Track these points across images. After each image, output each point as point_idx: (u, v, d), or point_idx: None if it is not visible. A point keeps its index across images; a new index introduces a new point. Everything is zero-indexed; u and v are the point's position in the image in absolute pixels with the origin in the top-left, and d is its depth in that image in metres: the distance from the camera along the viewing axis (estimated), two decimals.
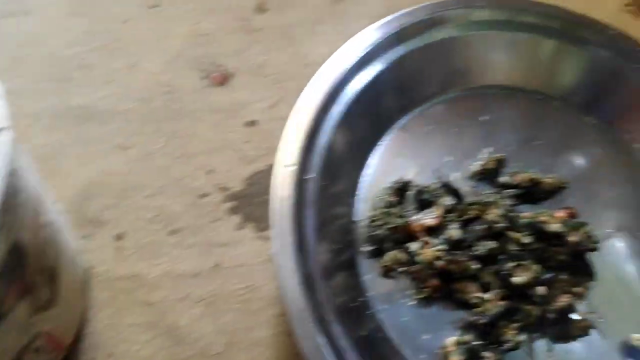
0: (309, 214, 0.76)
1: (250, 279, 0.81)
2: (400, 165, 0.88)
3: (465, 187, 0.87)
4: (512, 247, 0.77)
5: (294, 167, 0.75)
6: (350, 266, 0.81)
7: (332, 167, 0.81)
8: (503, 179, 0.88)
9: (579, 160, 0.92)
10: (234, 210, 0.86)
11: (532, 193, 0.87)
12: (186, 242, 0.84)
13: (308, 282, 0.71)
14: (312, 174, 0.77)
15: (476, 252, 0.77)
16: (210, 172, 0.88)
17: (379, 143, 0.89)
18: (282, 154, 0.77)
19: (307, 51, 0.97)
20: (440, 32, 0.91)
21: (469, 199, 0.85)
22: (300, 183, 0.75)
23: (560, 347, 0.78)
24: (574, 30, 0.93)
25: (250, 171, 0.87)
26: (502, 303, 0.75)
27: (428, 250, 0.78)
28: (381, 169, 0.88)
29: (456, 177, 0.88)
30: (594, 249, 0.79)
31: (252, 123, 0.92)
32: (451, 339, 0.76)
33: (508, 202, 0.82)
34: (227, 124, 0.92)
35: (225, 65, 0.96)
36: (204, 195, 0.86)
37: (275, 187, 0.74)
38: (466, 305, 0.78)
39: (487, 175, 0.88)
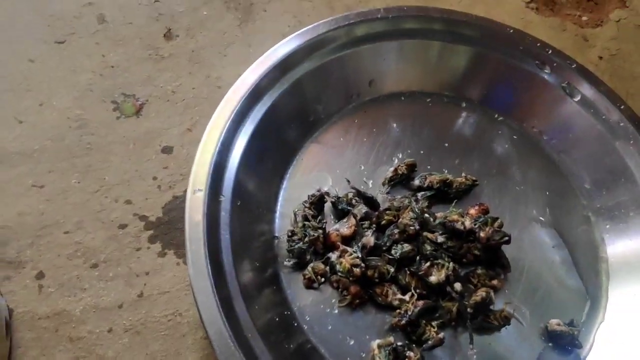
0: (224, 236, 0.78)
1: (175, 305, 0.83)
2: (316, 177, 0.91)
3: (380, 194, 0.91)
4: (427, 248, 0.80)
5: (204, 192, 0.77)
6: (274, 281, 0.83)
7: (246, 187, 0.83)
8: (416, 182, 0.92)
9: (490, 157, 0.97)
10: (154, 239, 0.87)
11: (446, 193, 0.91)
12: (108, 274, 0.85)
13: (226, 304, 0.72)
14: (224, 196, 0.78)
15: (393, 256, 0.80)
16: (128, 203, 0.89)
17: (294, 158, 0.92)
18: (193, 180, 0.79)
19: (218, 74, 1.00)
20: (338, 47, 0.94)
21: (384, 205, 0.88)
22: (212, 206, 0.77)
23: (485, 338, 0.83)
24: (459, 29, 0.98)
25: (168, 198, 0.89)
26: (420, 302, 0.78)
27: (346, 259, 0.81)
28: (298, 183, 0.91)
29: (370, 185, 0.91)
30: (507, 242, 0.83)
31: (167, 150, 0.94)
32: (375, 343, 0.79)
33: (421, 205, 0.86)
34: (142, 153, 0.93)
35: (137, 94, 0.98)
36: (123, 226, 0.88)
37: (188, 213, 0.76)
38: (388, 308, 0.81)
39: (400, 180, 0.92)
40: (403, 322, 0.78)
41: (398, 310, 0.80)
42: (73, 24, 1.04)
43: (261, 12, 1.10)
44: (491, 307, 0.83)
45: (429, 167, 0.95)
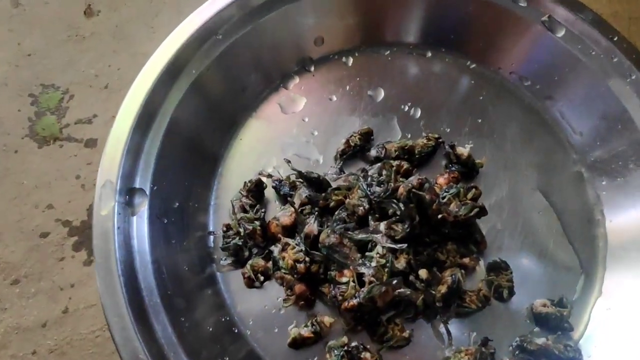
0: (140, 241, 0.71)
1: (103, 318, 0.76)
2: (258, 159, 0.84)
3: (331, 171, 0.82)
4: (386, 231, 0.71)
5: (114, 190, 0.70)
6: (210, 284, 0.76)
7: (170, 178, 0.76)
8: (373, 153, 0.82)
9: (462, 113, 0.88)
10: (78, 246, 0.81)
11: (410, 160, 0.81)
12: (30, 290, 0.79)
13: (142, 322, 0.66)
14: (140, 192, 0.71)
15: (347, 245, 0.72)
16: (49, 208, 0.83)
17: (230, 138, 0.83)
18: (101, 176, 0.72)
19: (146, 49, 0.91)
20: (275, 2, 0.84)
21: (335, 183, 0.79)
22: (125, 207, 0.70)
23: (461, 326, 0.75)
24: None
25: (93, 197, 0.82)
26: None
27: (288, 254, 0.73)
28: (237, 167, 0.83)
29: (321, 162, 0.82)
30: (479, 216, 0.73)
31: (91, 143, 0.87)
32: (327, 344, 0.71)
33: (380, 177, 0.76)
34: (63, 150, 0.87)
35: (57, 83, 0.90)
36: (45, 235, 0.82)
37: (95, 218, 0.69)
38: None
39: (355, 153, 0.82)
40: (353, 302, 0.69)
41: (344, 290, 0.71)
42: None
43: None
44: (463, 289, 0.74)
45: (390, 133, 0.85)
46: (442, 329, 0.73)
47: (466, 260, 0.76)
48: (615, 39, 0.82)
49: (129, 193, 0.72)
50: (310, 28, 0.87)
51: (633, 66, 0.81)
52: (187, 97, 0.79)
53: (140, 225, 0.72)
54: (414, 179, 0.73)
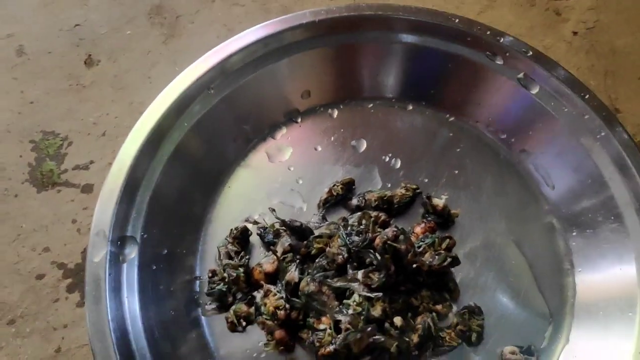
0: (131, 285, 0.75)
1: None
2: (245, 206, 0.88)
3: (314, 218, 0.86)
4: (363, 279, 0.76)
5: (107, 238, 0.74)
6: (195, 327, 0.80)
7: (161, 225, 0.81)
8: (354, 202, 0.87)
9: (440, 164, 0.93)
10: (72, 287, 0.86)
11: (389, 210, 0.85)
12: (25, 330, 0.84)
13: None
14: (131, 241, 0.76)
15: (325, 292, 0.76)
16: (45, 251, 0.88)
17: (220, 186, 0.88)
18: (95, 225, 0.77)
19: (142, 98, 0.97)
20: (265, 58, 0.90)
21: (317, 231, 0.84)
22: (117, 248, 0.74)
23: None
24: (397, 25, 0.92)
25: (87, 241, 0.87)
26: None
27: (270, 300, 0.77)
28: (226, 214, 0.87)
29: (304, 209, 0.87)
30: (452, 265, 0.78)
31: (87, 188, 0.92)
32: None
33: (356, 229, 0.81)
34: (61, 195, 0.92)
35: (57, 130, 0.96)
36: (41, 277, 0.86)
37: (89, 263, 0.74)
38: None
39: (337, 201, 0.87)
40: (330, 348, 0.73)
41: (322, 337, 0.75)
42: None
43: (188, 24, 1.07)
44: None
45: (372, 182, 0.90)
46: None
47: (439, 307, 0.80)
48: (586, 96, 0.87)
49: (120, 241, 0.76)
50: (298, 83, 0.93)
51: (603, 124, 0.85)
52: (180, 149, 0.85)
53: (130, 272, 0.77)
54: (389, 231, 0.77)
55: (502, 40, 0.91)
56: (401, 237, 0.77)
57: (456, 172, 0.90)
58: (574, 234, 0.85)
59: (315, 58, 0.93)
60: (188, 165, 0.85)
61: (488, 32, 0.92)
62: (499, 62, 0.90)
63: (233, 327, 0.79)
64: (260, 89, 0.90)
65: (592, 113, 0.86)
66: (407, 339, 0.76)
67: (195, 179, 0.86)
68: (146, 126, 0.83)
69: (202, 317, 0.81)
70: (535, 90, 0.89)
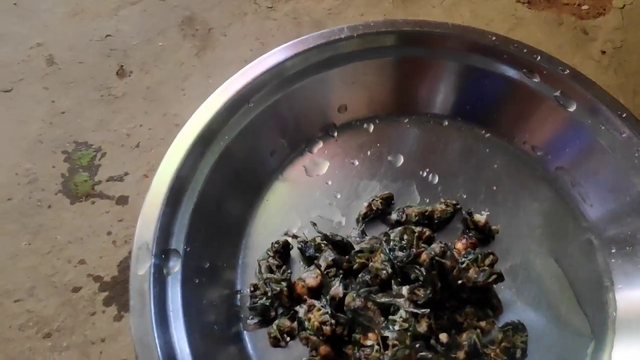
0: (175, 298, 0.75)
1: None
2: (283, 220, 0.88)
3: (354, 232, 0.86)
4: (409, 295, 0.76)
5: (150, 251, 0.74)
6: (236, 341, 0.80)
7: (202, 238, 0.80)
8: (393, 217, 0.87)
9: (478, 180, 0.93)
10: (109, 301, 0.84)
11: (429, 225, 0.85)
12: (62, 344, 0.82)
13: None
14: (174, 253, 0.75)
15: (371, 308, 0.76)
16: (81, 263, 0.87)
17: (258, 200, 0.88)
18: (138, 238, 0.76)
19: (176, 111, 0.96)
20: (302, 73, 0.90)
21: (357, 246, 0.84)
22: (160, 265, 0.73)
23: None
24: (435, 42, 0.92)
25: (124, 254, 0.86)
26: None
27: (314, 315, 0.76)
28: (264, 227, 0.87)
29: (343, 224, 0.86)
30: (496, 282, 0.78)
31: (123, 200, 0.91)
32: None
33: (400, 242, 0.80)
34: (96, 206, 0.91)
35: (89, 141, 0.95)
36: (77, 289, 0.85)
37: (132, 280, 0.73)
38: None
39: (376, 216, 0.87)
40: None
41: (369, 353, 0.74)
42: (21, 69, 1.02)
43: (220, 37, 1.07)
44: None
45: (410, 197, 0.90)
46: None
47: (483, 323, 0.80)
48: (624, 115, 0.87)
49: (164, 254, 0.75)
50: (335, 96, 0.93)
51: None
52: (220, 162, 0.84)
53: (174, 285, 0.76)
54: (436, 247, 0.77)
55: (538, 58, 0.92)
56: (448, 253, 0.77)
57: (494, 188, 0.90)
58: (613, 251, 0.86)
59: (353, 73, 0.93)
60: (228, 178, 0.85)
61: (525, 50, 0.93)
62: (536, 79, 0.91)
63: (276, 342, 0.79)
64: (298, 103, 0.91)
65: (629, 131, 0.87)
66: (453, 356, 0.75)
67: (234, 192, 0.86)
68: (187, 139, 0.82)
69: (244, 332, 0.80)
70: (572, 108, 0.89)
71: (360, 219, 0.87)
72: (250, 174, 0.88)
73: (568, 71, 0.90)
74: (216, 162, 0.84)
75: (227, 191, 0.85)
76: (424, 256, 0.77)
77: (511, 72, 0.92)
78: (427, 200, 0.89)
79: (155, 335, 0.72)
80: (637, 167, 0.85)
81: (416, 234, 0.82)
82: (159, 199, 0.79)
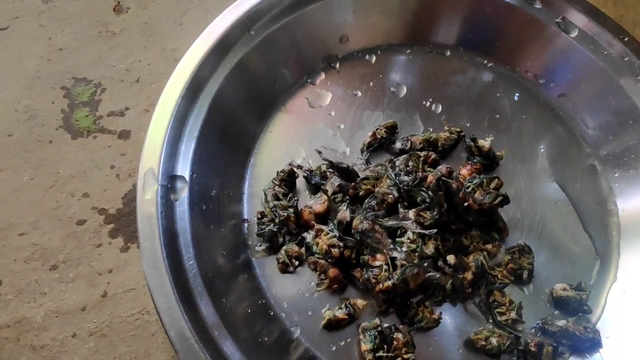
0: (182, 226, 0.74)
1: (142, 302, 0.79)
2: (288, 150, 0.86)
3: (358, 161, 0.85)
4: (415, 218, 0.75)
5: (156, 179, 0.72)
6: (246, 269, 0.79)
7: (207, 168, 0.78)
8: (398, 145, 0.86)
9: (481, 109, 0.91)
10: (115, 233, 0.83)
11: (434, 152, 0.85)
12: (69, 275, 0.81)
13: (188, 302, 0.68)
14: (180, 181, 0.74)
15: (378, 231, 0.75)
16: (85, 196, 0.85)
17: (261, 131, 0.87)
18: (143, 167, 0.74)
19: (174, 45, 0.94)
20: (300, 3, 0.88)
21: (363, 173, 0.83)
22: (166, 195, 0.72)
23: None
24: None
25: (128, 187, 0.85)
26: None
27: (322, 239, 0.76)
28: (268, 158, 0.86)
29: (347, 154, 0.85)
30: (502, 204, 0.77)
31: (125, 134, 0.90)
32: (360, 326, 0.75)
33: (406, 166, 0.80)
34: (98, 140, 0.89)
35: (88, 77, 0.93)
36: (82, 222, 0.84)
37: (139, 205, 0.72)
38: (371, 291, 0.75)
39: (381, 145, 0.86)
40: (388, 283, 0.72)
41: (378, 273, 0.74)
42: (16, 7, 0.99)
43: None
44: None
45: (413, 127, 0.89)
46: (473, 310, 0.76)
47: (489, 246, 0.79)
48: (626, 39, 0.86)
49: (170, 180, 0.74)
50: (336, 26, 0.91)
51: None
52: (221, 93, 0.82)
53: (182, 211, 0.75)
54: (442, 168, 0.76)
55: None
56: (454, 174, 0.76)
57: (497, 116, 0.89)
58: (617, 175, 0.85)
59: (354, 0, 0.91)
60: (230, 108, 0.83)
61: None
62: (537, 5, 0.89)
63: (284, 268, 0.78)
64: (298, 32, 0.89)
65: (632, 55, 0.86)
66: (461, 276, 0.75)
67: (237, 123, 0.84)
68: (186, 70, 0.80)
69: (253, 259, 0.79)
70: (574, 33, 0.88)
71: (365, 148, 0.86)
72: (253, 104, 0.86)
73: None
74: (218, 91, 0.82)
75: (230, 121, 0.83)
76: (430, 177, 0.76)
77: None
78: (431, 130, 0.88)
79: (165, 259, 0.71)
80: (639, 90, 0.83)
81: (422, 158, 0.81)
82: (163, 126, 0.77)
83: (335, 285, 0.76)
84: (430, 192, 0.75)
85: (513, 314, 0.76)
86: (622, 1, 1.05)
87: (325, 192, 0.78)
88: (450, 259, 0.76)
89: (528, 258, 0.78)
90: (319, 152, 0.83)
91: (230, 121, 0.83)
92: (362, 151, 0.86)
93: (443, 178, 0.74)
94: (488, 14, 0.90)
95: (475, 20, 0.91)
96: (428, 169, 0.79)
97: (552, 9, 0.88)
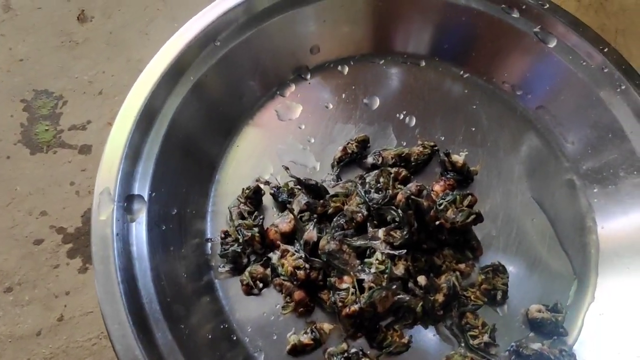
0: (139, 249, 0.70)
1: (100, 326, 0.76)
2: (255, 166, 0.83)
3: (328, 178, 0.82)
4: (384, 237, 0.72)
5: (113, 198, 0.69)
6: (209, 291, 0.76)
7: (168, 186, 0.75)
8: (369, 160, 0.83)
9: (456, 121, 0.89)
10: (73, 253, 0.80)
11: (406, 168, 0.81)
12: (24, 298, 0.78)
13: (143, 329, 0.65)
14: (138, 200, 0.70)
15: (346, 251, 0.72)
16: (43, 215, 0.82)
17: (227, 145, 0.83)
18: (99, 185, 0.71)
19: (140, 55, 0.91)
20: (271, 11, 0.85)
21: (332, 190, 0.80)
22: (123, 215, 0.69)
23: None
24: None
25: (87, 204, 0.82)
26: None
27: (288, 260, 0.73)
28: (234, 174, 0.83)
29: (317, 169, 0.82)
30: (475, 222, 0.74)
31: (85, 149, 0.86)
32: (326, 351, 0.72)
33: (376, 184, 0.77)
34: (57, 156, 0.86)
35: (50, 89, 0.90)
36: (39, 242, 0.81)
37: (94, 227, 0.68)
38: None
39: (352, 160, 0.83)
40: (354, 307, 0.69)
41: (345, 296, 0.71)
42: None
43: None
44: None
45: (386, 140, 0.86)
46: (444, 333, 0.73)
47: (462, 266, 0.77)
48: (605, 50, 0.83)
49: (127, 200, 0.71)
50: (307, 36, 0.88)
51: (623, 77, 0.82)
52: (187, 101, 0.79)
53: (139, 232, 0.72)
54: (412, 186, 0.73)
55: None
56: (424, 192, 0.73)
57: (473, 129, 0.86)
58: (595, 190, 0.83)
59: (324, 10, 0.87)
60: (194, 123, 0.80)
61: None
62: (515, 15, 0.86)
63: (248, 290, 0.75)
64: (267, 43, 0.86)
65: (612, 66, 0.83)
66: (431, 298, 0.72)
67: (202, 138, 0.82)
68: (148, 82, 0.77)
69: (216, 281, 0.76)
70: (552, 43, 0.85)
71: (335, 163, 0.83)
72: (219, 118, 0.84)
73: (548, 5, 0.85)
74: (182, 103, 0.80)
75: (195, 134, 0.81)
76: (399, 196, 0.73)
77: (489, 8, 0.87)
78: (404, 143, 0.85)
79: (120, 283, 0.68)
80: (619, 103, 0.81)
81: (392, 175, 0.77)
82: (122, 142, 0.74)
83: (301, 309, 0.73)
84: (399, 211, 0.71)
85: (486, 337, 0.73)
86: (604, 10, 1.02)
87: (292, 210, 0.75)
88: (421, 280, 0.73)
89: (502, 278, 0.75)
90: (286, 169, 0.79)
91: (193, 137, 0.80)
92: (332, 166, 0.82)
93: (412, 197, 0.71)
94: (463, 23, 0.87)
95: (449, 30, 0.89)
96: (399, 186, 0.76)
97: (530, 18, 0.86)
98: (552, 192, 0.83)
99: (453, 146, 0.85)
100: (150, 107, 0.76)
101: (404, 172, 0.78)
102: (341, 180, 0.82)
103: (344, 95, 0.88)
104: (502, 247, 0.79)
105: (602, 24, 1.02)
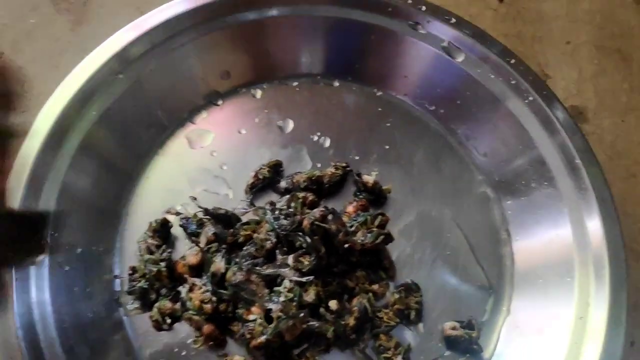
0: (40, 290, 0.69)
1: None
2: (165, 197, 0.82)
3: (241, 205, 0.81)
4: (293, 264, 0.72)
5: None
6: (118, 327, 0.74)
7: (72, 223, 0.74)
8: (283, 184, 0.82)
9: (370, 140, 0.89)
10: None
11: (320, 190, 0.81)
12: None
13: None
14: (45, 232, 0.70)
15: (254, 281, 0.71)
16: None
17: (136, 177, 0.82)
18: None
19: (51, 90, 0.88)
20: (179, 38, 0.84)
21: (244, 217, 0.79)
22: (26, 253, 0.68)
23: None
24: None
25: None
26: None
27: (195, 293, 0.72)
28: (145, 206, 0.81)
29: (231, 196, 0.81)
30: (386, 242, 0.74)
31: None
32: None
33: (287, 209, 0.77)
34: None
35: None
36: None
37: None
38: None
39: (265, 185, 0.82)
40: (261, 339, 0.68)
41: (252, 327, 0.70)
42: None
43: (97, 9, 1.00)
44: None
45: (300, 163, 0.86)
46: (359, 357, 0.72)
47: (375, 287, 0.76)
48: (512, 61, 0.84)
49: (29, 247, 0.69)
50: (214, 63, 0.87)
51: (530, 88, 0.82)
52: (88, 139, 0.79)
53: (40, 275, 0.71)
54: (317, 211, 0.73)
55: (423, 8, 0.87)
56: (330, 216, 0.73)
57: (387, 147, 0.86)
58: (509, 202, 0.83)
59: (228, 37, 0.87)
60: (99, 158, 0.79)
61: (409, 1, 0.88)
62: (422, 31, 0.86)
63: (158, 326, 0.74)
64: (173, 72, 0.84)
65: (519, 78, 0.83)
66: (343, 322, 0.72)
67: (108, 172, 0.80)
68: (48, 119, 0.76)
69: (125, 318, 0.74)
70: (460, 58, 0.86)
71: (248, 189, 0.82)
72: (126, 151, 0.83)
73: (454, 20, 0.86)
74: (82, 141, 0.78)
75: (99, 172, 0.80)
76: (305, 222, 0.72)
77: (397, 25, 0.87)
78: (319, 165, 0.85)
79: (18, 329, 0.67)
80: (527, 114, 0.82)
81: (300, 200, 0.77)
82: (20, 183, 0.73)
83: (212, 342, 0.72)
84: (307, 238, 0.70)
85: (399, 358, 0.72)
86: (521, 17, 1.03)
87: (197, 243, 0.74)
88: (332, 304, 0.73)
89: (416, 297, 0.76)
90: (194, 199, 0.79)
91: (99, 172, 0.79)
92: (245, 193, 0.82)
93: (317, 222, 0.70)
94: (373, 42, 0.88)
95: (360, 49, 0.88)
96: (307, 211, 0.75)
97: (437, 33, 0.85)
98: (467, 206, 0.84)
99: (367, 165, 0.85)
100: (54, 138, 0.77)
101: (311, 197, 0.78)
102: (254, 206, 0.81)
103: (257, 120, 0.87)
104: (417, 265, 0.80)
105: (519, 32, 1.03)
